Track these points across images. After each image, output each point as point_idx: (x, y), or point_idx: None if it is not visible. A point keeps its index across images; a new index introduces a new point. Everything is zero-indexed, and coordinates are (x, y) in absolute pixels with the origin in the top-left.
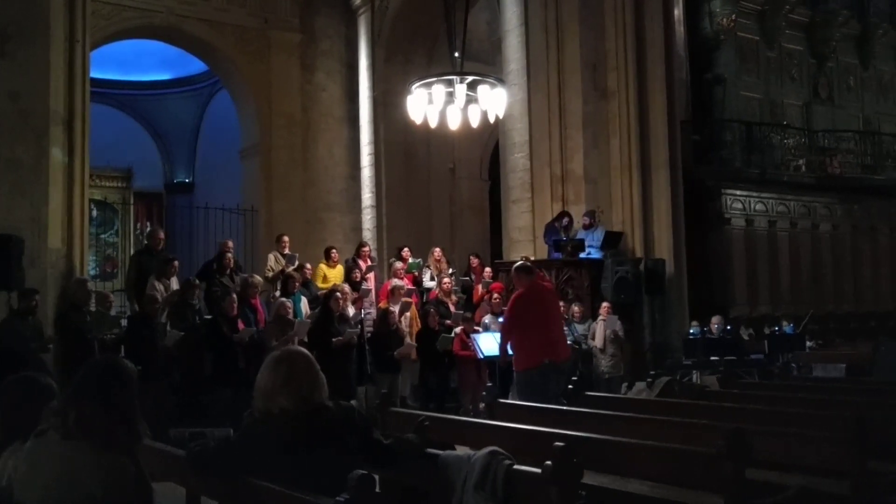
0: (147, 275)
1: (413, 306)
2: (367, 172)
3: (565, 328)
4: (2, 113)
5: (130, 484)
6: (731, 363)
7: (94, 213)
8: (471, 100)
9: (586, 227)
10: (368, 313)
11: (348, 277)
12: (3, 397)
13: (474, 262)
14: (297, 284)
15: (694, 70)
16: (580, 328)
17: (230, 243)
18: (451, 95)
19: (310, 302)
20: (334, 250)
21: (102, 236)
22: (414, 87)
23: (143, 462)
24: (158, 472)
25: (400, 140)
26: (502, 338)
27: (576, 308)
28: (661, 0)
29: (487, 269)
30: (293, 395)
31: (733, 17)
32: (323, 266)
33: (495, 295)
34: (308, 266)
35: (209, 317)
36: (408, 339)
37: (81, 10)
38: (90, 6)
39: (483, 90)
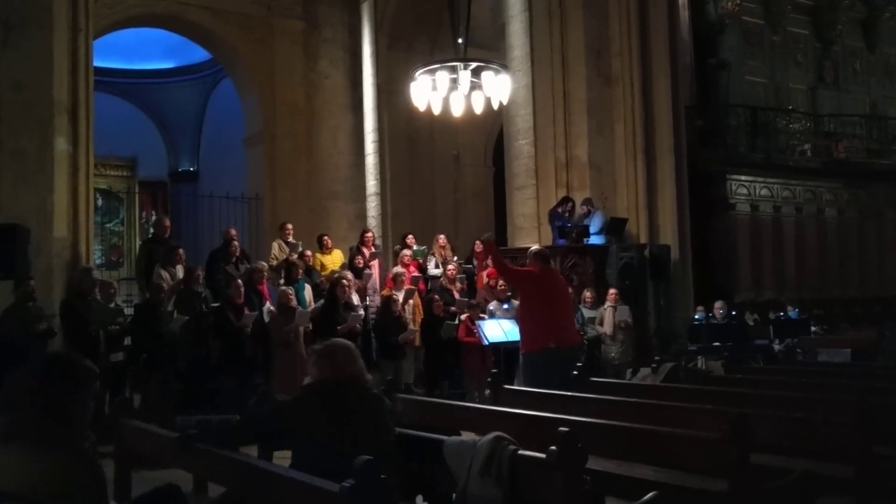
0: (156, 263)
1: (416, 294)
2: (370, 160)
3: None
4: (5, 103)
5: (77, 481)
6: (736, 348)
7: (100, 202)
8: (474, 86)
9: (585, 215)
10: (372, 300)
11: (351, 264)
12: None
13: (479, 247)
14: (300, 272)
15: (698, 55)
16: (589, 313)
17: (234, 231)
18: (454, 82)
19: (312, 289)
20: (326, 237)
21: (108, 225)
22: (417, 73)
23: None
24: (165, 458)
25: (403, 127)
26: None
27: (588, 294)
28: None
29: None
30: (354, 376)
31: (738, 0)
32: (318, 255)
33: (500, 283)
34: (309, 253)
35: (216, 304)
36: (411, 326)
37: None
38: None
39: (487, 76)
